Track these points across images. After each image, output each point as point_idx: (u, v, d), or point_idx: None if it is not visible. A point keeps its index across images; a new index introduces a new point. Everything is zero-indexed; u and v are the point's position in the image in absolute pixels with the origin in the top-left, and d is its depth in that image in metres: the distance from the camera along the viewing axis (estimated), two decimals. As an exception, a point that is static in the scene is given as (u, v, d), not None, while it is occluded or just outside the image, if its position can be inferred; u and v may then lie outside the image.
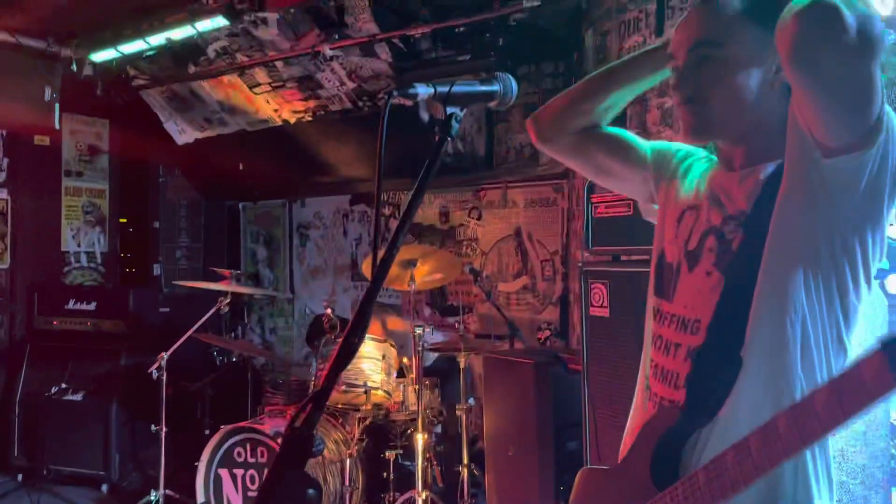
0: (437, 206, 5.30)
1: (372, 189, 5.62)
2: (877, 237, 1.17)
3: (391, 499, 3.74)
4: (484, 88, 1.19)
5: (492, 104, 1.21)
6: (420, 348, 3.45)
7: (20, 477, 4.72)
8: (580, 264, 2.64)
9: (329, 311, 3.80)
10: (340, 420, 3.84)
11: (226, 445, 3.65)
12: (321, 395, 0.89)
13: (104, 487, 4.62)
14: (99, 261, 5.78)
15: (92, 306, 4.96)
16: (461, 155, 4.88)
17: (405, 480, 3.86)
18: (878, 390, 0.88)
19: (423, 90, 1.12)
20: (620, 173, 1.59)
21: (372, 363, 3.64)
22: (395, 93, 1.11)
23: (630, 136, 1.60)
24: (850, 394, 0.91)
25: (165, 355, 3.89)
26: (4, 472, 4.75)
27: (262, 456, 3.62)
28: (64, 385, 4.65)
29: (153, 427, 3.94)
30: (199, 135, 5.60)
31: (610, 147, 1.58)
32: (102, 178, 5.84)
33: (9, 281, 5.26)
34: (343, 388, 3.55)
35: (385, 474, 3.82)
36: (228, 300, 4.15)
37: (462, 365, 3.72)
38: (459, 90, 1.15)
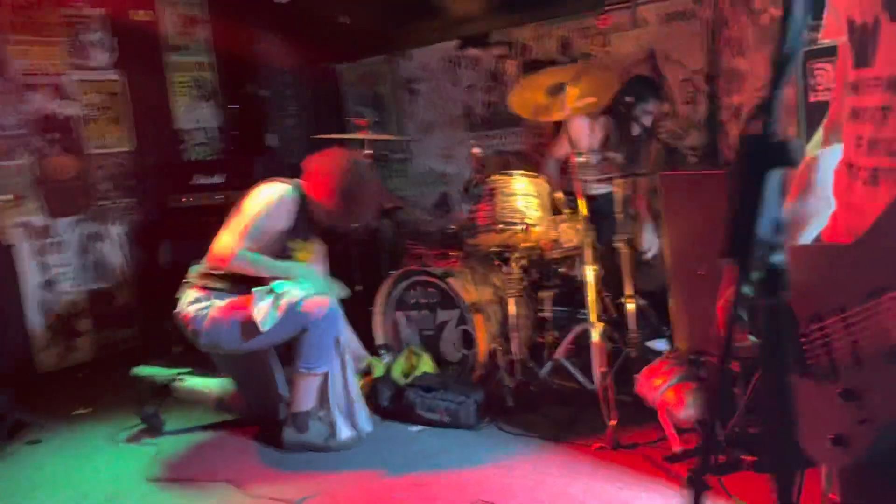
0: (555, 39, 4.94)
1: (484, 28, 5.28)
2: None
3: (553, 336, 3.71)
4: None
5: None
6: (580, 175, 3.27)
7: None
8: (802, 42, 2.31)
9: (477, 150, 3.62)
10: (498, 263, 3.76)
11: (398, 289, 3.79)
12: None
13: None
14: (215, 135, 5.75)
15: (219, 179, 4.96)
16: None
17: (562, 320, 3.81)
18: None
19: None
20: None
21: (527, 200, 3.47)
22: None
23: None
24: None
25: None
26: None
27: (434, 296, 3.72)
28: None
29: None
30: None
31: None
32: (205, 51, 5.69)
33: (136, 163, 5.30)
34: (500, 227, 3.42)
35: (541, 313, 3.78)
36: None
37: (619, 196, 3.53)
38: None
